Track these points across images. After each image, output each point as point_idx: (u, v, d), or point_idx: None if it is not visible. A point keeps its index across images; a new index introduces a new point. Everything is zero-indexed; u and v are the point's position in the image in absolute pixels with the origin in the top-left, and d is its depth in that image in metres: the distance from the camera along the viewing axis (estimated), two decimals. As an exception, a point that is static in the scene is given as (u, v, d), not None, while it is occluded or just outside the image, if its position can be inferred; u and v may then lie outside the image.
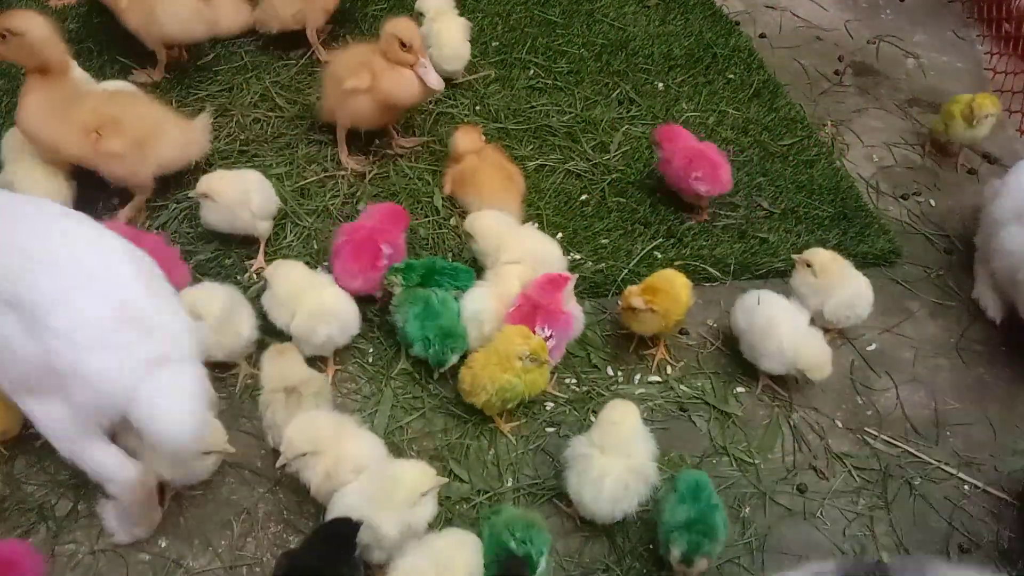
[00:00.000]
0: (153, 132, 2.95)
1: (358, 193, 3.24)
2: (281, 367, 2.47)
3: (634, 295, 2.70)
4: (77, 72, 3.12)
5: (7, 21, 2.70)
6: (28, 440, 2.50)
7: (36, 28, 2.72)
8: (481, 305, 2.70)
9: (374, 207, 2.97)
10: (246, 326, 2.60)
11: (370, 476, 2.25)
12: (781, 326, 2.71)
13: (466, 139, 3.20)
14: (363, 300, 2.86)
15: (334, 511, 2.21)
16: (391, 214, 2.93)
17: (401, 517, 2.17)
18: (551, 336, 2.64)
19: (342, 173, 3.29)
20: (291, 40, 3.78)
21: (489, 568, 2.19)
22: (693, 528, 2.23)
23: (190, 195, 2.93)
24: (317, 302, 2.63)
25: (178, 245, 2.97)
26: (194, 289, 2.59)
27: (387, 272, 2.77)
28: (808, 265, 2.87)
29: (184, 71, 3.60)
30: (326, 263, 2.98)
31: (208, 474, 2.38)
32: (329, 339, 2.64)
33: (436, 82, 3.10)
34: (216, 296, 2.56)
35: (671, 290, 2.73)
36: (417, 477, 2.22)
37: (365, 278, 2.79)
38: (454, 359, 2.65)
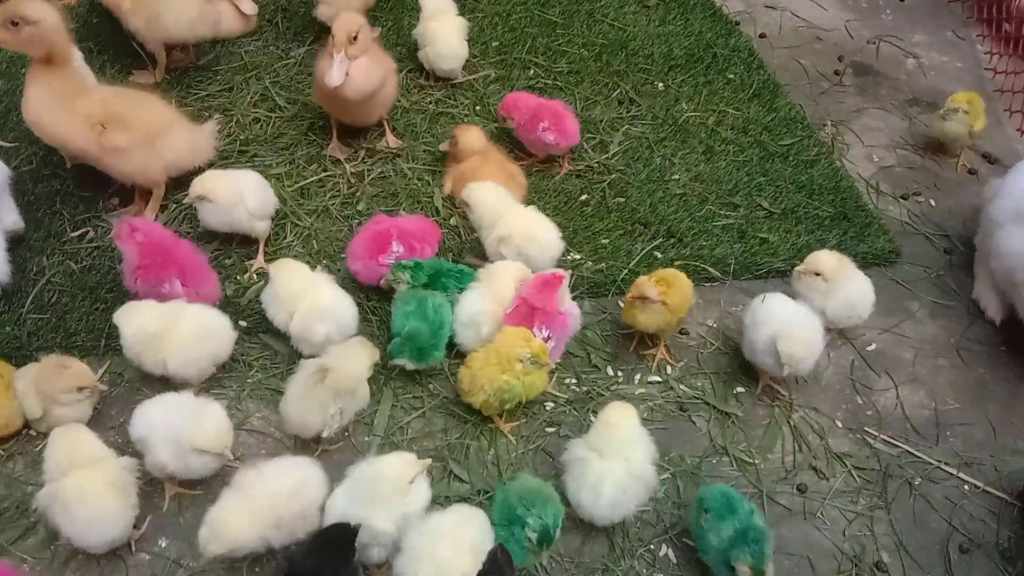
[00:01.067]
0: (162, 130, 2.95)
1: (358, 193, 3.24)
2: (345, 354, 2.51)
3: (648, 284, 2.69)
4: (79, 63, 3.12)
5: (20, 9, 2.65)
6: (28, 441, 2.51)
7: (50, 16, 2.69)
8: (478, 308, 2.71)
9: (417, 217, 3.01)
10: (177, 358, 2.53)
11: (355, 477, 2.24)
12: (774, 317, 2.70)
13: (471, 138, 3.19)
14: (363, 299, 2.86)
15: (328, 517, 2.21)
16: (424, 226, 2.95)
17: (394, 510, 2.18)
18: (549, 337, 2.64)
19: (341, 172, 3.29)
20: (291, 38, 3.78)
21: (500, 529, 2.21)
22: (747, 539, 2.20)
23: (185, 202, 2.92)
24: (315, 302, 2.63)
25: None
26: (134, 304, 2.57)
27: (393, 268, 2.77)
28: (817, 274, 2.85)
29: (184, 71, 3.60)
30: (326, 262, 2.99)
31: (210, 472, 2.38)
32: (327, 339, 2.64)
33: (331, 78, 2.95)
34: (150, 314, 2.55)
35: (679, 287, 2.73)
36: (400, 467, 2.22)
37: (364, 265, 2.83)
38: (407, 361, 2.64)
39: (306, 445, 2.56)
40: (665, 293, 2.68)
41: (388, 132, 3.42)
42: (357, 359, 2.52)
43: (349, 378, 2.48)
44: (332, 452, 2.54)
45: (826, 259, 2.87)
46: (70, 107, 2.79)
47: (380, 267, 2.82)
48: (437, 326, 2.67)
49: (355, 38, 2.98)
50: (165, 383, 2.61)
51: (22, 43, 2.70)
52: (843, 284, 2.87)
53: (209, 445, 2.29)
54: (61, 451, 2.23)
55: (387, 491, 2.18)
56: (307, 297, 2.64)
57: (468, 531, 2.18)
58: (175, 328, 2.53)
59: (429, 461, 2.30)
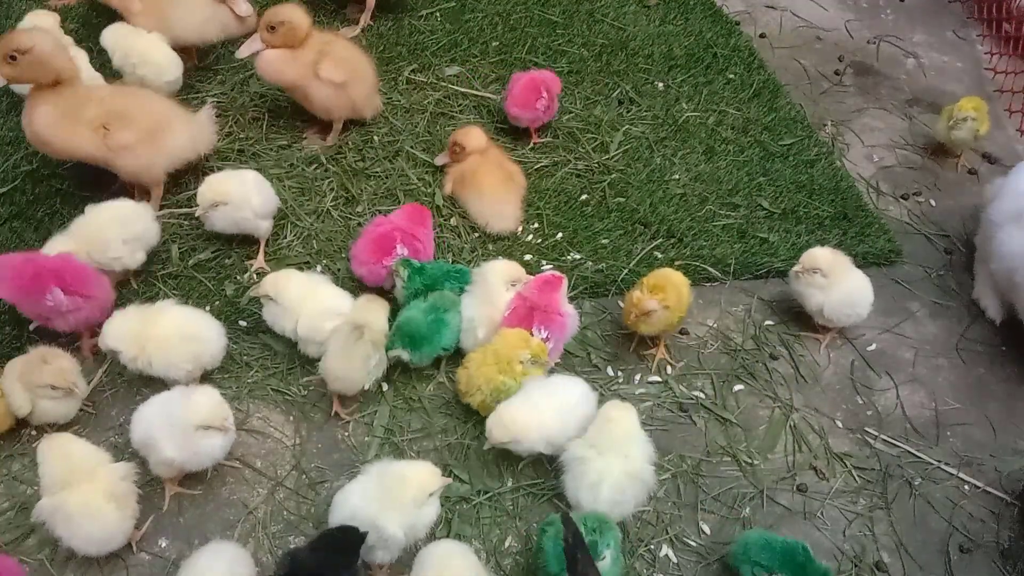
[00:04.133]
0: (162, 124, 2.95)
1: (358, 193, 3.23)
2: (365, 311, 2.60)
3: (645, 299, 2.67)
4: (86, 71, 3.12)
5: (11, 42, 2.66)
6: (26, 441, 2.51)
7: (41, 41, 2.69)
8: (472, 312, 2.71)
9: (405, 206, 3.03)
10: (160, 359, 2.52)
11: (375, 476, 2.24)
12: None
13: (475, 139, 3.20)
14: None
15: (339, 511, 2.21)
16: (415, 213, 2.99)
17: (407, 518, 2.17)
18: (548, 338, 2.64)
19: (341, 172, 3.29)
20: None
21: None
22: None
23: (197, 215, 2.90)
24: (318, 302, 2.64)
25: (176, 244, 2.99)
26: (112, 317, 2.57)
27: (398, 261, 2.80)
28: (815, 270, 2.84)
29: (184, 71, 3.58)
30: (325, 262, 2.99)
31: (220, 454, 2.37)
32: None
33: (239, 51, 3.20)
34: (131, 316, 2.56)
35: (673, 286, 2.73)
36: (425, 477, 2.21)
37: (369, 270, 2.85)
38: (401, 351, 2.63)
39: (305, 443, 2.56)
40: (664, 299, 2.67)
41: (333, 131, 3.39)
42: (377, 313, 2.62)
43: (381, 331, 2.59)
44: (332, 454, 2.55)
45: (822, 254, 2.87)
46: (74, 119, 2.78)
47: (386, 269, 2.83)
48: (434, 324, 2.66)
49: (272, 28, 3.11)
50: (165, 383, 2.61)
51: (26, 74, 2.70)
52: (840, 281, 2.87)
53: (207, 418, 2.29)
54: (55, 465, 2.21)
55: (406, 497, 2.18)
56: (309, 300, 2.64)
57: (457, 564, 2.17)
58: (155, 328, 2.52)
59: (451, 480, 2.30)
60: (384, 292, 2.87)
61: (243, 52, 3.19)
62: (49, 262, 2.57)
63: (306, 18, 3.17)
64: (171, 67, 3.28)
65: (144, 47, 3.24)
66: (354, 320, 2.56)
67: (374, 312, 2.62)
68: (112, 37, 3.26)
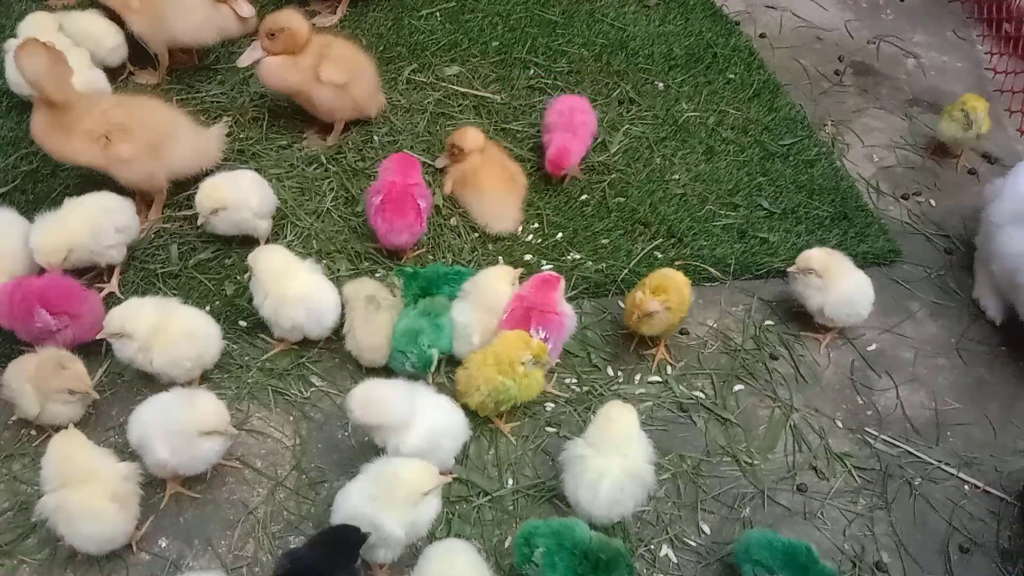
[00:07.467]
0: (166, 137, 2.94)
1: (357, 193, 3.24)
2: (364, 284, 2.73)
3: (648, 300, 2.66)
4: (86, 72, 3.13)
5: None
6: (26, 441, 2.51)
7: (30, 65, 2.70)
8: (467, 318, 2.71)
9: (386, 162, 3.05)
10: (162, 356, 2.53)
11: (372, 475, 2.24)
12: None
13: (472, 140, 3.19)
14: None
15: (338, 512, 2.21)
16: (407, 163, 3.03)
17: (405, 516, 2.17)
18: (547, 338, 2.63)
19: (341, 171, 3.29)
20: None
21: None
22: None
23: (199, 223, 2.90)
24: (290, 287, 2.64)
25: (176, 244, 2.99)
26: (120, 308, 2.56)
27: (394, 271, 2.82)
28: (810, 271, 2.85)
29: (184, 71, 3.60)
30: (325, 262, 2.99)
31: (216, 458, 2.37)
32: (295, 327, 2.65)
33: (240, 59, 3.24)
34: (143, 310, 2.55)
35: (675, 286, 2.73)
36: (420, 476, 2.21)
37: (411, 232, 2.96)
38: (435, 353, 2.63)
39: (305, 443, 2.56)
40: (666, 300, 2.67)
41: (334, 131, 3.39)
42: (362, 282, 2.75)
43: (389, 298, 2.71)
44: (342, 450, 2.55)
45: (816, 255, 2.87)
46: (71, 129, 2.79)
47: (422, 221, 2.96)
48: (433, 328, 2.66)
49: (272, 35, 3.12)
50: (162, 382, 2.61)
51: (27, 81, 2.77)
52: (838, 280, 2.87)
53: (213, 425, 2.30)
54: (59, 464, 2.21)
55: (401, 495, 2.18)
56: (282, 282, 2.64)
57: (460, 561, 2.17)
58: (168, 323, 2.52)
59: (450, 479, 2.30)
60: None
61: (244, 61, 3.20)
62: (34, 284, 2.58)
63: (305, 24, 3.17)
64: (106, 36, 3.40)
65: (77, 21, 3.38)
66: (366, 293, 2.64)
67: (357, 282, 2.72)
68: (61, 20, 3.41)
